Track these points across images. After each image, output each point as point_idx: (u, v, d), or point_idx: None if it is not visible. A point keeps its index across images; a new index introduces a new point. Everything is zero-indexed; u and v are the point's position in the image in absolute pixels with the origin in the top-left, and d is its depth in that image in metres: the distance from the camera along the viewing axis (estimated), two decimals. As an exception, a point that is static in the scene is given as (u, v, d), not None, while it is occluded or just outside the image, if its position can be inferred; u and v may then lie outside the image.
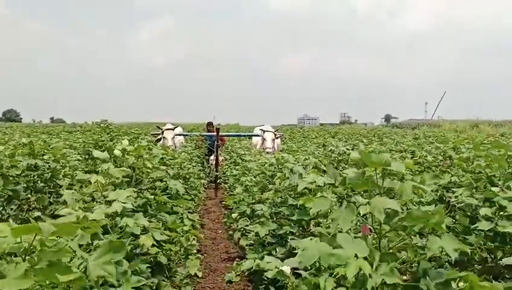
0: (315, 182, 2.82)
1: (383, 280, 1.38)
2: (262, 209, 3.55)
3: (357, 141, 11.05)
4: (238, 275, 3.94)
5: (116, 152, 3.45)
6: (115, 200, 2.37)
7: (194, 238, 3.25)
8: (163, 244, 2.82)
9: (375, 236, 1.62)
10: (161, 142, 9.42)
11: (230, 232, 5.13)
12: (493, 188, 2.68)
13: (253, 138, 11.91)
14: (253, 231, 3.53)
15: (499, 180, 2.96)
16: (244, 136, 13.98)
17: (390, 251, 1.56)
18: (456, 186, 3.21)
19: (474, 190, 2.89)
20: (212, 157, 10.95)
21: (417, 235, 1.70)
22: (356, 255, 1.45)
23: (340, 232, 1.57)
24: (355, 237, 1.55)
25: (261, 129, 11.12)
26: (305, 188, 2.77)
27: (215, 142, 10.23)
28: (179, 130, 11.21)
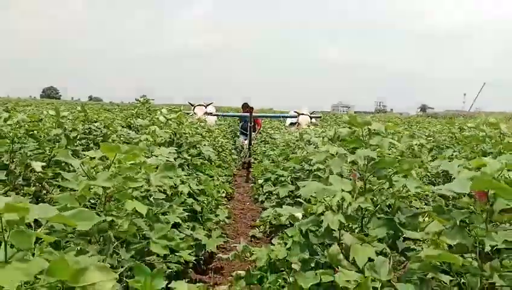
0: (328, 150, 3.31)
1: (359, 205, 1.89)
2: (284, 175, 4.07)
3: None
4: (261, 232, 4.49)
5: (161, 118, 4.04)
6: (160, 155, 2.92)
7: (223, 191, 3.80)
8: (197, 197, 3.37)
9: (361, 182, 2.12)
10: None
11: (256, 196, 5.68)
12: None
13: (287, 120, 11.42)
14: (275, 194, 4.06)
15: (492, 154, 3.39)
16: (279, 117, 13.08)
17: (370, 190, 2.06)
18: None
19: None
20: (246, 141, 10.48)
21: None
22: (342, 190, 1.96)
23: (332, 174, 2.08)
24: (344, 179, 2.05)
25: (295, 111, 10.57)
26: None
27: (249, 123, 9.75)
28: (210, 108, 10.89)
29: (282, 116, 12.32)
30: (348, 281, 1.63)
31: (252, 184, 8.07)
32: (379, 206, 2.08)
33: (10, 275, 0.86)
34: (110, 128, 4.98)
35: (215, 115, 11.20)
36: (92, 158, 1.74)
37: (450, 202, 2.59)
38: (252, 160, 9.06)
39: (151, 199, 2.09)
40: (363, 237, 1.87)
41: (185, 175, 3.21)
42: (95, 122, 4.81)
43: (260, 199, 4.97)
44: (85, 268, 0.93)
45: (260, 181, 5.00)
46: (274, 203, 4.19)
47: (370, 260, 1.74)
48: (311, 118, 10.05)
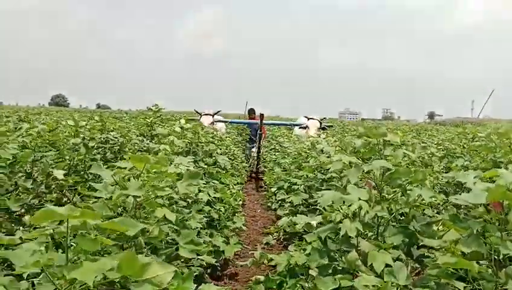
0: (341, 159, 3.40)
1: (375, 213, 1.97)
2: (297, 183, 4.16)
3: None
4: (274, 238, 4.57)
5: (177, 129, 4.14)
6: (180, 164, 3.01)
7: (240, 199, 3.90)
8: (214, 205, 3.47)
9: (377, 191, 2.20)
10: None
11: (269, 204, 5.77)
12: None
13: (296, 128, 10.71)
14: (288, 202, 4.15)
15: (502, 163, 3.46)
16: (289, 125, 12.20)
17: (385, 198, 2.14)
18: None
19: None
20: (253, 149, 10.10)
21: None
22: (359, 199, 2.04)
23: (349, 184, 2.16)
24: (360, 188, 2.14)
25: (305, 116, 10.27)
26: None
27: (258, 131, 9.13)
28: (218, 117, 10.40)
29: (293, 125, 11.52)
30: (367, 285, 1.71)
31: (262, 192, 8.13)
32: (394, 214, 2.16)
33: (87, 272, 0.97)
34: (126, 137, 5.10)
35: (223, 122, 10.74)
36: (122, 168, 1.83)
37: (462, 210, 2.67)
38: (262, 168, 8.90)
39: (174, 206, 2.18)
40: (379, 244, 1.95)
41: (203, 183, 3.30)
42: (112, 131, 4.93)
43: (273, 207, 5.06)
44: (148, 263, 1.04)
45: (273, 189, 5.09)
46: (287, 211, 4.27)
47: (387, 266, 1.82)
48: (320, 124, 9.84)
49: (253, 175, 9.43)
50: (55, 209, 1.11)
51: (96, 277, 1.03)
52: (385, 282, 1.66)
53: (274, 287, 2.58)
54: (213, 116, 9.93)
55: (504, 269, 1.49)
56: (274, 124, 13.29)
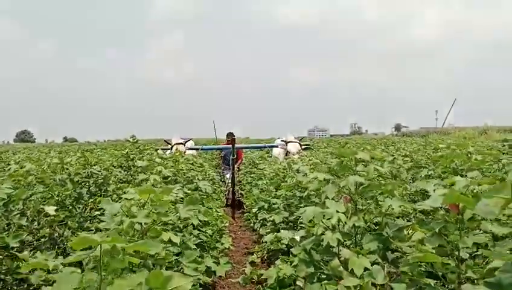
0: (317, 177, 3.67)
1: (353, 224, 2.24)
2: (276, 203, 4.41)
3: (362, 148, 11.80)
4: (259, 257, 4.78)
5: (157, 160, 4.35)
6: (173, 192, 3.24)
7: (227, 221, 4.11)
8: (202, 228, 3.68)
9: (352, 203, 2.47)
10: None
11: (250, 225, 5.99)
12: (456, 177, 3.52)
13: (274, 149, 10.58)
14: (270, 220, 4.38)
15: (462, 170, 3.79)
16: (264, 147, 12.00)
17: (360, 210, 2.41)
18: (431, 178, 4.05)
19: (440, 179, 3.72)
20: (228, 175, 9.82)
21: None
22: (338, 211, 2.30)
23: (327, 199, 2.42)
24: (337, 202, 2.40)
25: (282, 140, 10.03)
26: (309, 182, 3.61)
27: (231, 156, 8.72)
28: (190, 143, 10.27)
29: (269, 146, 11.32)
30: (349, 287, 1.96)
31: (240, 217, 8.25)
32: (368, 223, 2.42)
33: (119, 288, 1.18)
34: (108, 170, 5.27)
35: (195, 149, 10.35)
36: (129, 199, 2.05)
37: (430, 216, 2.97)
38: (238, 193, 8.74)
39: (174, 231, 2.40)
40: (358, 251, 2.20)
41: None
42: (94, 165, 5.09)
43: (255, 227, 5.29)
44: (171, 276, 1.25)
45: (254, 210, 5.33)
46: (269, 230, 4.50)
47: (366, 269, 2.08)
48: (300, 145, 9.66)
49: (229, 200, 8.93)
50: (89, 236, 1.33)
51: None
52: (366, 282, 1.91)
53: (266, 300, 2.82)
54: (184, 144, 9.69)
55: (465, 262, 1.76)
56: (249, 147, 13.06)
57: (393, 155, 5.97)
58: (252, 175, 8.29)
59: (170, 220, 2.12)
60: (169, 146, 9.58)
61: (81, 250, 1.42)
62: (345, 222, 2.27)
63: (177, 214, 2.11)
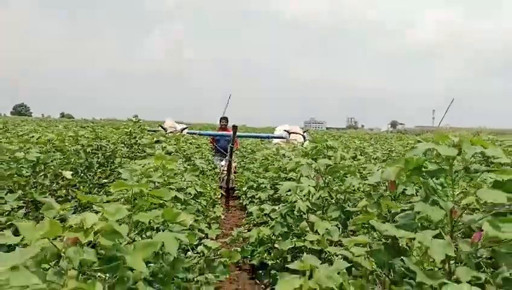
0: (300, 161, 4.27)
1: (320, 195, 2.83)
2: (264, 183, 5.00)
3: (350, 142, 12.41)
4: (246, 229, 5.39)
5: (161, 138, 4.93)
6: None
7: (219, 194, 4.71)
8: (198, 198, 4.26)
9: (323, 181, 3.06)
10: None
11: (242, 203, 6.61)
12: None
13: (274, 140, 9.96)
14: (257, 198, 4.98)
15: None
16: (265, 137, 11.25)
17: (327, 186, 3.01)
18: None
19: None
20: (223, 162, 9.32)
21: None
22: (309, 185, 2.90)
23: (302, 176, 3.02)
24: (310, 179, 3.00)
25: (285, 130, 9.60)
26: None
27: (230, 144, 8.11)
28: (182, 127, 9.57)
29: (271, 137, 10.64)
30: (311, 241, 2.55)
31: (233, 210, 8.31)
32: (334, 198, 3.02)
33: (143, 217, 1.77)
34: (115, 145, 5.86)
35: (191, 134, 9.42)
36: (147, 164, 2.63)
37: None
38: (232, 183, 8.47)
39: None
40: (322, 216, 2.80)
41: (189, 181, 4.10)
42: (102, 140, 5.68)
43: (244, 203, 5.89)
44: (179, 212, 1.83)
45: (244, 188, 5.93)
46: (256, 205, 5.10)
47: (327, 230, 2.67)
48: (304, 137, 9.31)
49: (223, 189, 8.11)
50: (124, 182, 1.91)
51: (149, 220, 1.84)
52: (322, 236, 2.51)
53: (248, 255, 3.43)
54: (181, 131, 8.83)
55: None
56: (249, 137, 12.65)
57: (377, 148, 6.58)
58: (244, 160, 8.87)
59: (176, 182, 2.71)
60: (160, 129, 8.93)
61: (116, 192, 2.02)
62: (314, 194, 2.86)
63: (183, 178, 2.69)
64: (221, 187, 7.94)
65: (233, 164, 8.58)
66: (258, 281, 4.41)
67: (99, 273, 1.38)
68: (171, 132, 8.32)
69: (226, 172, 8.36)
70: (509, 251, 1.48)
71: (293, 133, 9.41)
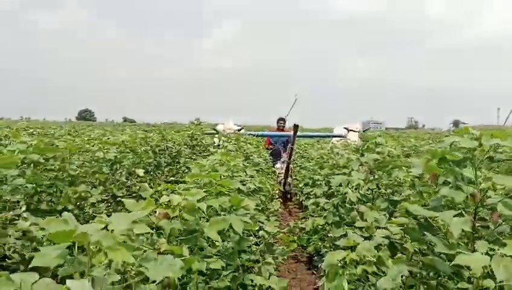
0: (350, 157, 4.54)
1: (369, 187, 3.11)
2: (319, 179, 5.30)
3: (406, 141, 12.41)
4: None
5: (223, 138, 5.33)
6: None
7: (276, 190, 5.06)
8: (257, 193, 4.62)
9: (371, 174, 3.33)
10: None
11: (297, 198, 6.94)
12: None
13: (334, 139, 9.69)
14: (313, 194, 5.28)
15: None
16: (325, 136, 11.00)
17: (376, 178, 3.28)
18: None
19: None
20: (278, 165, 8.90)
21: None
22: (358, 178, 3.18)
23: (353, 170, 3.30)
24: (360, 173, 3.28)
25: (345, 128, 9.42)
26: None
27: (289, 145, 8.03)
28: (237, 128, 9.20)
29: (332, 136, 10.31)
30: (360, 228, 2.84)
31: (294, 208, 8.28)
32: (381, 189, 3.29)
33: (215, 203, 2.13)
34: (180, 146, 6.35)
35: (250, 135, 8.84)
36: (214, 160, 3.01)
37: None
38: (290, 187, 8.16)
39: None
40: (371, 206, 3.07)
41: (249, 177, 4.46)
42: (169, 141, 6.18)
43: (301, 199, 6.22)
44: (243, 199, 2.19)
45: (300, 185, 6.25)
46: (312, 201, 5.41)
47: (375, 220, 2.95)
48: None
49: (280, 195, 7.56)
50: (199, 173, 2.29)
51: (218, 205, 2.20)
52: (371, 223, 2.79)
53: (304, 243, 3.75)
54: (238, 131, 8.62)
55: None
56: (308, 136, 12.09)
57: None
58: (301, 159, 9.18)
59: (239, 176, 3.07)
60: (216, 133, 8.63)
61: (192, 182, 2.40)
62: (363, 186, 3.15)
63: (245, 172, 3.05)
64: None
65: (290, 166, 8.08)
66: (314, 272, 4.71)
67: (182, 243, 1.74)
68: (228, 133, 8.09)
69: (282, 175, 8.05)
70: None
71: (352, 131, 9.20)
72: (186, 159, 6.09)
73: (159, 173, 5.40)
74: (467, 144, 1.78)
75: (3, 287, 0.96)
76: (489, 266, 1.48)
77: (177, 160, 6.01)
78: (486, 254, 1.59)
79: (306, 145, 11.18)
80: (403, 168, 3.23)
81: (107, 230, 1.09)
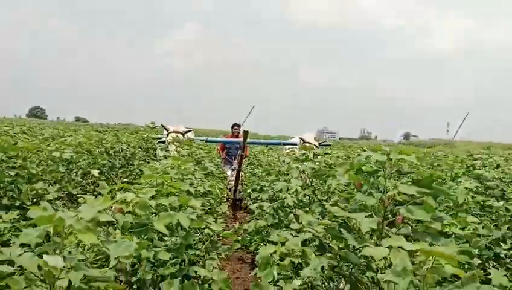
0: (291, 165, 4.93)
1: (306, 193, 3.47)
2: (265, 185, 5.65)
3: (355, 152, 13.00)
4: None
5: (176, 143, 5.61)
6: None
7: (224, 194, 5.37)
8: (206, 196, 4.92)
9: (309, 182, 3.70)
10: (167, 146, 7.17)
11: (244, 202, 7.28)
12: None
13: (287, 147, 9.38)
14: (259, 199, 5.63)
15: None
16: (278, 144, 10.69)
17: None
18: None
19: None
20: (229, 172, 8.73)
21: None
22: (297, 185, 3.54)
23: (292, 178, 3.66)
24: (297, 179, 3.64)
25: (300, 138, 9.01)
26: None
27: (239, 151, 7.87)
28: (190, 135, 8.53)
29: (284, 143, 10.09)
30: (295, 229, 3.19)
31: (240, 212, 8.25)
32: (317, 195, 3.66)
33: (165, 202, 2.42)
34: (134, 148, 6.57)
35: (197, 140, 8.61)
36: (166, 163, 3.29)
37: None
38: (241, 195, 7.99)
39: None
40: (307, 210, 3.43)
41: (199, 180, 4.76)
42: (123, 144, 6.40)
43: (248, 204, 6.56)
44: (190, 198, 2.49)
45: (248, 190, 6.60)
46: (258, 205, 5.75)
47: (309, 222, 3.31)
48: (317, 147, 8.14)
49: (230, 202, 7.77)
50: (153, 174, 2.58)
51: (168, 203, 2.49)
52: (304, 227, 3.14)
53: (247, 243, 4.08)
54: (183, 134, 8.06)
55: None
56: (260, 143, 12.03)
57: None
58: (251, 166, 9.53)
59: (189, 178, 3.37)
60: (165, 132, 8.09)
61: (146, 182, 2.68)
62: (300, 192, 3.51)
63: (195, 175, 3.35)
64: (227, 199, 7.32)
65: (241, 173, 7.90)
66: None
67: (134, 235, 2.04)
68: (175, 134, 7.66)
69: (233, 182, 7.92)
70: (423, 230, 2.12)
71: (307, 143, 8.53)
72: (140, 162, 6.31)
73: (113, 175, 5.61)
74: (378, 158, 2.15)
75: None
76: (389, 256, 1.84)
77: (131, 162, 6.22)
78: (388, 248, 1.95)
79: (257, 153, 11.53)
80: (336, 177, 3.62)
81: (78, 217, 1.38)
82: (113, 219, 1.77)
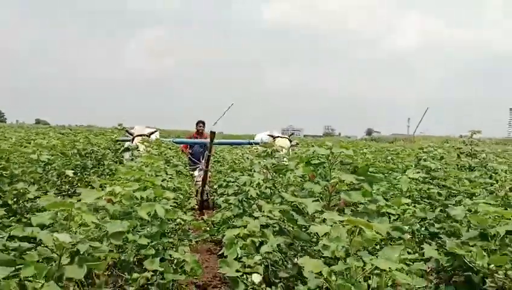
0: (253, 161, 5.35)
1: (267, 185, 3.89)
2: (230, 181, 6.06)
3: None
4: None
5: (146, 143, 5.95)
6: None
7: (191, 190, 5.74)
8: (176, 192, 5.29)
9: (270, 174, 4.12)
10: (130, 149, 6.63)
11: (212, 197, 7.67)
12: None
13: (256, 146, 8.25)
14: (225, 194, 6.03)
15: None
16: (248, 144, 9.85)
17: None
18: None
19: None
20: (196, 172, 8.56)
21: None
22: (259, 179, 3.95)
23: (255, 172, 4.07)
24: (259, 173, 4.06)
25: (270, 135, 8.85)
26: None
27: (206, 152, 7.58)
28: (156, 135, 8.18)
29: (253, 143, 9.37)
30: (257, 217, 3.61)
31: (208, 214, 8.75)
32: (277, 188, 4.08)
33: (143, 194, 2.80)
34: (105, 150, 6.88)
35: (164, 141, 7.71)
36: (140, 162, 3.65)
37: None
38: (207, 197, 7.93)
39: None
40: (268, 201, 3.85)
41: (169, 177, 5.12)
42: (94, 145, 6.69)
43: (215, 199, 6.95)
44: (165, 191, 2.87)
45: (215, 186, 6.99)
46: (224, 200, 6.16)
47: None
48: (290, 141, 8.82)
49: (198, 202, 7.39)
50: (131, 171, 2.95)
51: (146, 195, 2.87)
52: (266, 214, 3.56)
53: (214, 233, 4.48)
54: (149, 136, 7.42)
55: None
56: (228, 144, 11.85)
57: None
58: (218, 163, 9.91)
59: (161, 175, 3.74)
60: (130, 137, 7.60)
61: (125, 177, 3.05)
62: (262, 184, 3.93)
63: (166, 172, 3.73)
64: (196, 196, 7.40)
65: (208, 173, 7.73)
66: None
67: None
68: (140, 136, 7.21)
69: (200, 183, 7.73)
70: (362, 211, 2.58)
71: (279, 137, 8.82)
72: (110, 162, 6.61)
73: (86, 174, 5.90)
74: (322, 152, 2.59)
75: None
76: (330, 231, 2.27)
77: (102, 162, 6.52)
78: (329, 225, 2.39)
79: (222, 152, 11.68)
80: (294, 171, 4.05)
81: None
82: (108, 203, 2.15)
